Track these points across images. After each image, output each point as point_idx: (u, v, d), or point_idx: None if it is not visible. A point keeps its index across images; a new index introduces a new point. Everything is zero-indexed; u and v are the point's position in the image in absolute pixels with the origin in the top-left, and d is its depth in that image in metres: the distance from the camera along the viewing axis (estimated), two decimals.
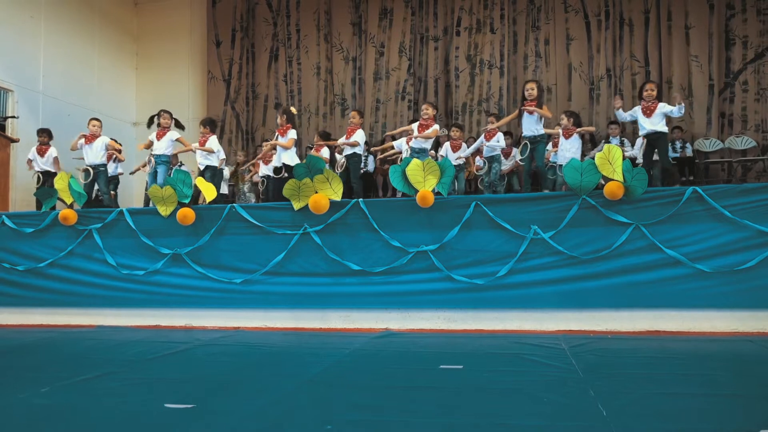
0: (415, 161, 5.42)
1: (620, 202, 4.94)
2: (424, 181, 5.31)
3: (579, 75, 9.26)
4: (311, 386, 3.37)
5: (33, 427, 2.75)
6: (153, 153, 6.61)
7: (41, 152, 7.12)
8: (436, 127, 6.34)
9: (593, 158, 5.15)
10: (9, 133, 7.94)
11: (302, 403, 3.03)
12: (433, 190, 5.30)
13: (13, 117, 8.18)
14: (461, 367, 3.78)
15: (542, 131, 6.02)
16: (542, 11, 9.48)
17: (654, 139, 5.72)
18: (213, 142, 6.72)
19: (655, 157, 5.91)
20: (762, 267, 4.71)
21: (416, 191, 5.29)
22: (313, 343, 4.79)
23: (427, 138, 6.29)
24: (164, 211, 5.84)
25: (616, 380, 3.34)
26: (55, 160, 7.20)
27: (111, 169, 7.54)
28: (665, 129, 5.72)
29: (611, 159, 4.95)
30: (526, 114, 5.99)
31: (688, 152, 8.11)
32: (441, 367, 3.81)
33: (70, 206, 6.27)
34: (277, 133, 6.65)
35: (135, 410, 2.93)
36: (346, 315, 5.49)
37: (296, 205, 5.53)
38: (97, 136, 6.70)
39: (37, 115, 8.64)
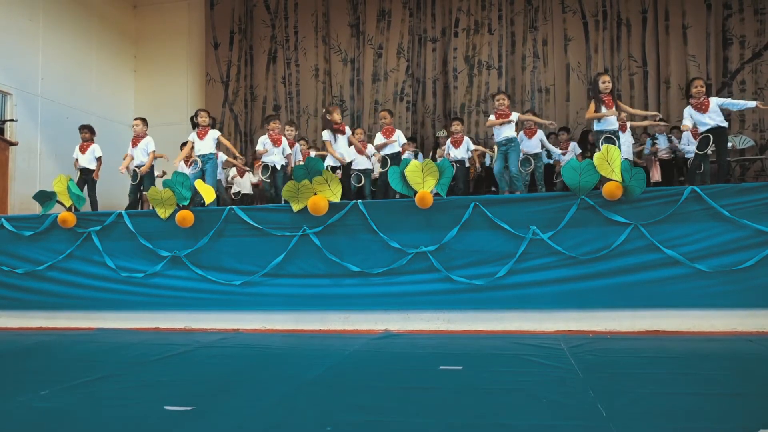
0: (413, 162, 5.42)
1: (619, 202, 4.95)
2: (423, 182, 5.31)
3: (577, 75, 9.27)
4: (311, 387, 3.37)
5: (33, 430, 2.75)
6: (197, 153, 6.58)
7: (83, 149, 7.04)
8: (516, 114, 6.22)
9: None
10: (8, 136, 7.93)
11: (302, 405, 3.03)
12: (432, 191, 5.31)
13: (12, 120, 8.18)
14: (461, 367, 3.78)
15: (617, 126, 5.91)
16: (540, 12, 9.49)
17: (716, 135, 5.59)
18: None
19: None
20: (760, 266, 4.72)
21: (415, 192, 5.30)
22: (312, 345, 4.79)
23: (501, 123, 6.16)
24: (163, 213, 5.84)
25: (616, 380, 3.35)
26: (98, 159, 7.08)
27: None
28: (725, 123, 5.68)
29: (610, 159, 4.96)
30: (604, 108, 5.78)
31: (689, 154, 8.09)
32: (441, 367, 3.81)
33: (69, 209, 6.27)
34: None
35: (135, 412, 2.93)
36: (346, 316, 5.49)
37: (295, 207, 5.54)
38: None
39: (35, 118, 8.64)
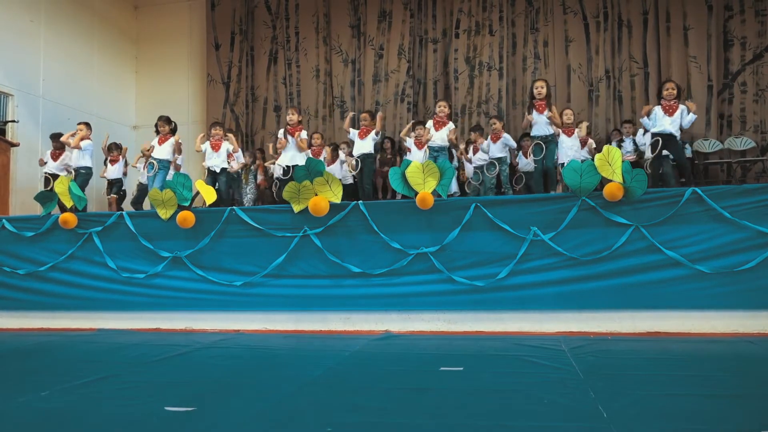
0: (414, 163, 5.42)
1: (620, 203, 4.95)
2: (424, 183, 5.31)
3: (578, 76, 9.26)
4: (312, 388, 3.37)
5: (33, 430, 2.75)
6: (153, 157, 6.69)
7: (54, 156, 7.11)
8: (451, 125, 6.33)
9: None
10: (9, 137, 7.95)
11: (303, 406, 3.03)
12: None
13: (13, 121, 8.19)
14: (461, 368, 3.78)
15: (552, 131, 6.05)
16: (541, 13, 9.48)
17: (666, 140, 5.70)
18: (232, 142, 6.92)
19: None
20: (761, 268, 4.72)
21: (416, 193, 5.30)
22: (313, 346, 4.79)
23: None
24: (164, 214, 5.84)
25: (617, 381, 3.34)
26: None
27: (113, 173, 7.61)
28: (678, 133, 5.77)
29: (611, 160, 4.96)
30: (536, 114, 5.97)
31: (687, 153, 8.11)
32: (441, 368, 3.81)
33: (70, 210, 6.28)
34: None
35: (135, 413, 2.93)
36: (347, 317, 5.49)
37: (296, 208, 5.54)
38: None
39: (37, 119, 8.65)
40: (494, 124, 7.03)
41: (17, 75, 8.37)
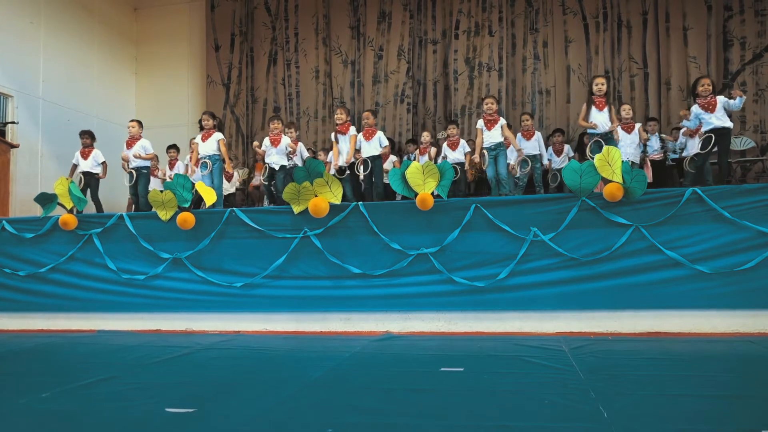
0: (414, 164, 5.42)
1: (620, 203, 4.95)
2: (424, 184, 5.31)
3: (578, 77, 9.27)
4: (312, 389, 3.37)
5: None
6: (203, 155, 6.56)
7: (84, 155, 7.02)
8: (503, 121, 6.24)
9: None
10: (9, 138, 7.95)
11: (303, 406, 3.03)
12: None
13: (13, 122, 8.20)
14: (462, 369, 3.78)
15: (609, 128, 5.96)
16: (540, 13, 9.49)
17: (720, 135, 5.62)
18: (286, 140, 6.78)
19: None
20: (762, 268, 4.72)
21: (416, 194, 5.30)
22: (313, 347, 4.79)
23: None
24: (164, 215, 5.84)
25: (617, 381, 3.34)
26: (103, 164, 7.12)
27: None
28: (731, 124, 5.69)
29: (610, 160, 4.96)
30: (595, 110, 5.85)
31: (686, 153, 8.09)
32: (442, 369, 3.81)
33: (70, 211, 6.28)
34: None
35: (136, 415, 2.93)
36: (347, 318, 5.49)
37: (296, 209, 5.54)
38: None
39: (36, 121, 8.65)
40: (527, 120, 6.90)
41: (17, 76, 8.37)
